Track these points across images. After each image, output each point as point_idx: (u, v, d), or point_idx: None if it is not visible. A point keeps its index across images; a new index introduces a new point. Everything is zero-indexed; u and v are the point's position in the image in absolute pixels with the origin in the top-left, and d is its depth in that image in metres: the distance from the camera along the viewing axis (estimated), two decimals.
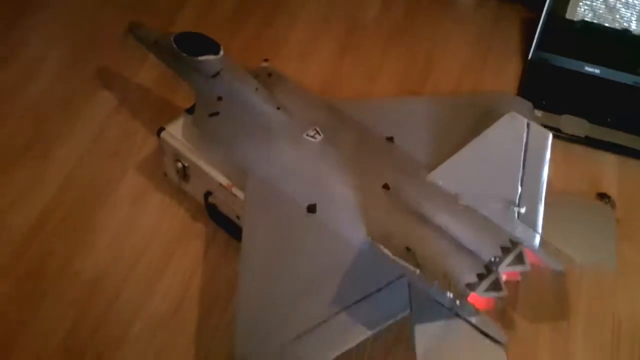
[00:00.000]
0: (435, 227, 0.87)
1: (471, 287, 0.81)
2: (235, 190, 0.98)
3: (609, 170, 1.22)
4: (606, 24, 1.37)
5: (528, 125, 0.83)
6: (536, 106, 1.19)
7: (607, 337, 0.99)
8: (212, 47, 1.05)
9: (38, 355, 0.95)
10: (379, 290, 0.84)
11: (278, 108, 1.01)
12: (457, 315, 0.81)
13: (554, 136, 0.84)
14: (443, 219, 0.88)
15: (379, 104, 1.16)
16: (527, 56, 1.39)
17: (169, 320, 0.99)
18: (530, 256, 0.86)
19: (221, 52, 1.04)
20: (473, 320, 0.81)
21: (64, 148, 1.21)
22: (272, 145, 0.98)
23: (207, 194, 1.04)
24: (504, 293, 0.81)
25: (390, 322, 0.82)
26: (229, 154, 1.00)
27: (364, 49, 1.44)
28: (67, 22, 1.46)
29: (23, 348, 0.96)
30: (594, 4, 1.36)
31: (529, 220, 0.86)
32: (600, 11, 1.36)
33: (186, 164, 1.04)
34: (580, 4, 1.36)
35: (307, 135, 0.98)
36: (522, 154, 0.85)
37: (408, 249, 0.84)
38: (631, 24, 1.35)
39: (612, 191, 1.17)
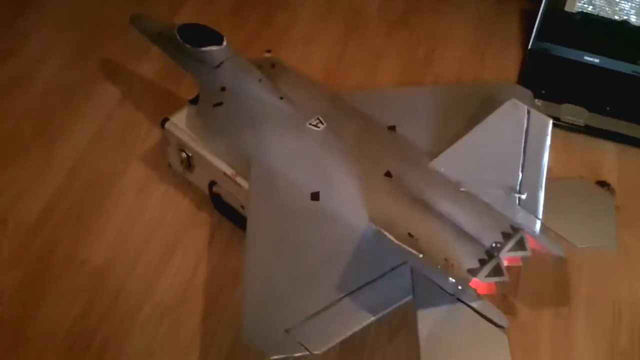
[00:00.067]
0: (438, 213, 0.88)
1: (473, 272, 0.82)
2: (239, 179, 0.99)
3: (608, 158, 1.23)
4: (605, 17, 1.38)
5: (528, 112, 0.84)
6: (536, 95, 1.20)
7: (607, 323, 1.00)
8: (216, 38, 1.05)
9: (46, 342, 0.96)
10: (382, 276, 0.85)
11: (281, 98, 1.02)
12: (459, 300, 0.82)
13: (554, 125, 0.84)
14: (445, 205, 0.89)
15: (381, 93, 1.17)
16: (527, 46, 1.40)
17: (174, 308, 1.00)
18: (531, 242, 0.87)
19: (224, 43, 1.05)
20: (474, 305, 0.82)
21: (69, 139, 1.22)
22: (276, 134, 0.99)
23: (212, 183, 1.05)
24: (505, 278, 0.82)
25: (393, 307, 0.83)
26: (233, 143, 1.00)
27: (366, 39, 1.45)
28: (71, 15, 1.47)
29: (31, 335, 0.97)
30: None
31: (530, 206, 0.87)
32: (600, 3, 1.37)
33: (190, 154, 1.05)
34: None
35: (310, 124, 0.99)
36: (523, 140, 0.85)
37: (410, 235, 0.85)
38: (630, 17, 1.36)
39: (611, 179, 1.18)
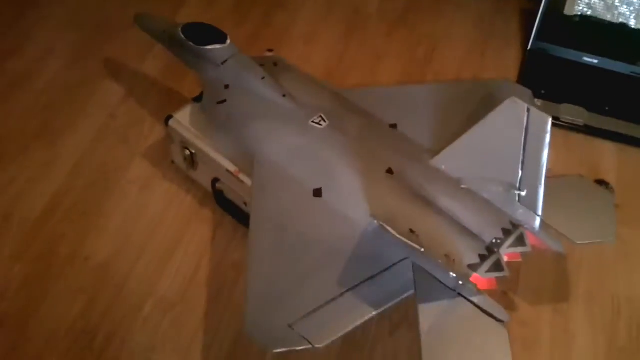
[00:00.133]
0: (439, 210, 0.89)
1: (473, 267, 0.83)
2: (242, 176, 1.00)
3: (607, 157, 1.24)
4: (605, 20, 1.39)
5: (528, 110, 0.84)
6: (536, 95, 1.21)
7: (607, 318, 1.01)
8: (219, 37, 1.07)
9: (50, 337, 0.97)
10: (383, 271, 0.86)
11: (284, 96, 1.03)
12: (460, 295, 0.83)
13: (554, 125, 0.85)
14: (446, 202, 0.90)
15: (382, 92, 1.18)
16: (527, 46, 1.41)
17: (177, 304, 1.00)
18: (531, 238, 0.88)
19: (228, 41, 1.06)
20: (475, 299, 0.83)
21: (73, 136, 1.23)
22: (279, 132, 1.00)
23: (215, 180, 1.06)
24: (505, 273, 0.83)
25: (395, 302, 0.83)
26: (236, 140, 1.01)
27: (366, 39, 1.46)
28: (74, 13, 1.48)
29: (34, 330, 0.97)
30: (592, 2, 1.37)
31: (530, 203, 0.88)
32: (599, 8, 1.38)
33: (194, 151, 1.06)
34: (579, 1, 1.38)
35: (313, 121, 1.00)
36: (523, 138, 0.86)
37: (412, 231, 0.86)
38: (630, 20, 1.37)
39: (610, 178, 1.19)
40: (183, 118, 1.07)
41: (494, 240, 0.86)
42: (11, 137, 1.23)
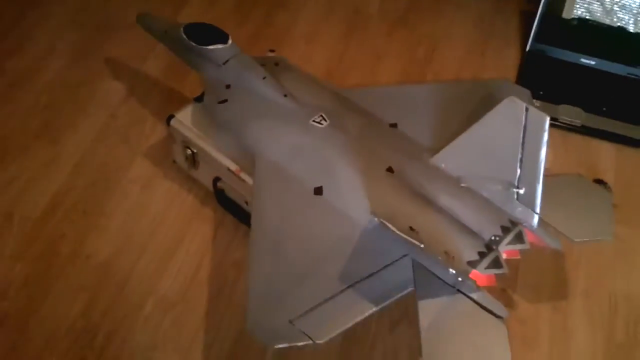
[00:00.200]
0: (438, 208, 0.90)
1: (472, 264, 0.84)
2: (243, 175, 1.01)
3: (605, 157, 1.25)
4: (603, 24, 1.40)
5: (526, 109, 0.85)
6: (534, 96, 1.22)
7: (604, 316, 1.02)
8: (221, 37, 1.07)
9: (50, 336, 0.97)
10: (383, 268, 0.87)
11: (285, 95, 1.04)
12: (459, 291, 0.84)
13: (552, 125, 0.85)
14: (445, 200, 0.90)
15: (383, 91, 1.18)
16: (526, 47, 1.42)
17: (178, 303, 1.01)
18: (529, 235, 0.88)
19: (230, 41, 1.07)
20: (474, 296, 0.83)
21: (74, 136, 1.23)
22: (280, 131, 1.00)
23: (216, 179, 1.07)
24: (504, 270, 0.83)
25: (395, 298, 0.84)
26: (238, 139, 1.02)
27: (367, 39, 1.46)
28: (75, 13, 1.48)
29: (35, 329, 0.98)
30: (591, 6, 1.38)
31: (528, 201, 0.88)
32: (598, 14, 1.39)
33: (195, 151, 1.07)
34: (577, 5, 1.39)
35: (314, 121, 1.01)
36: (521, 137, 0.86)
37: (412, 228, 0.87)
38: (629, 26, 1.39)
39: (608, 178, 1.19)
40: (184, 118, 1.08)
41: (492, 238, 0.87)
42: (12, 136, 1.23)
